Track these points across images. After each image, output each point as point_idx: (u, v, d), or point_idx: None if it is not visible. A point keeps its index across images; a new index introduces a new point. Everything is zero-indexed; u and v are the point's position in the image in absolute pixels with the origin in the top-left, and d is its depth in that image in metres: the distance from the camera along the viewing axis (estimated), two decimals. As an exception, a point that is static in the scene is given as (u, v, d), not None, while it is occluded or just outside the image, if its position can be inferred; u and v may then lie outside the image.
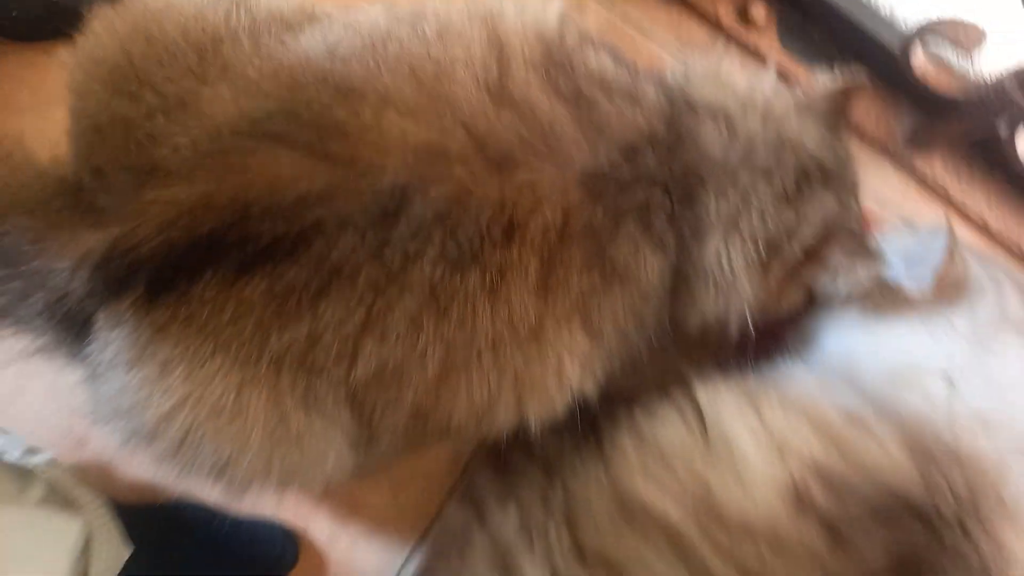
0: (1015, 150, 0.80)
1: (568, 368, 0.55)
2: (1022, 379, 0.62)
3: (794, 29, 0.89)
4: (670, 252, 0.59)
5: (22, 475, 0.68)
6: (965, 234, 0.92)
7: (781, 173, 0.61)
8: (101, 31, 0.58)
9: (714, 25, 0.88)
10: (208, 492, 0.76)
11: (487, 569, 0.58)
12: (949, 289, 0.64)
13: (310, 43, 0.55)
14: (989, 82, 0.74)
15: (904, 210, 0.92)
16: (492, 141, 0.50)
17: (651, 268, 0.57)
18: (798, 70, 0.88)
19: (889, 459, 0.58)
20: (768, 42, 0.88)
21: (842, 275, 0.63)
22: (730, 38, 0.89)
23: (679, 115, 0.60)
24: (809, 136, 0.63)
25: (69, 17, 0.75)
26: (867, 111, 0.90)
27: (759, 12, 0.86)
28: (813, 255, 0.63)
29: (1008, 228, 0.91)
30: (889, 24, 0.85)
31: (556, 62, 0.56)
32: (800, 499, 0.55)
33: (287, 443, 0.51)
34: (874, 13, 0.85)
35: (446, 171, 0.49)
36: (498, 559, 0.59)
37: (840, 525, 0.54)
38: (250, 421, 0.50)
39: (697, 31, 0.89)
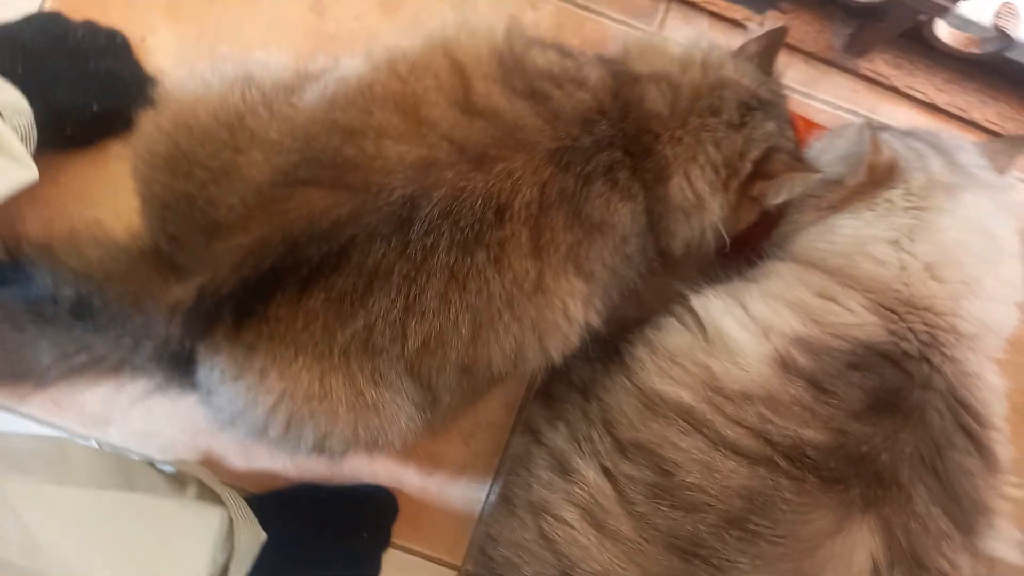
0: (935, 36, 0.89)
1: (572, 308, 0.67)
2: (954, 229, 0.72)
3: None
4: (639, 198, 0.70)
5: (178, 479, 0.84)
6: (917, 116, 1.01)
7: (726, 107, 0.72)
8: (151, 129, 0.71)
9: (653, -15, 0.98)
10: (315, 470, 0.91)
11: (548, 473, 0.71)
12: (881, 173, 0.74)
13: (312, 100, 0.67)
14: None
15: (860, 107, 1.01)
16: (470, 146, 0.62)
17: (624, 215, 0.68)
18: (738, 12, 0.98)
19: (856, 318, 0.68)
20: (709, -6, 0.97)
21: (784, 186, 0.73)
22: (672, -1, 0.99)
23: (622, 86, 0.71)
24: (745, 76, 0.74)
25: (112, 122, 0.91)
26: (808, 32, 0.99)
27: (690, -36, 0.96)
28: (760, 171, 0.73)
29: (953, 101, 1.00)
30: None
31: (509, 68, 0.67)
32: (786, 365, 0.66)
33: (366, 412, 0.65)
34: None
35: (440, 177, 0.61)
36: (556, 465, 0.72)
37: (822, 379, 0.65)
38: (335, 400, 0.63)
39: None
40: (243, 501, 0.82)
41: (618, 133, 0.68)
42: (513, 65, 0.68)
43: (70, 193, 0.91)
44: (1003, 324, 0.71)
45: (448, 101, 0.64)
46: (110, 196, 0.91)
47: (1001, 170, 0.79)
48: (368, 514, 0.90)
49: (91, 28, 0.92)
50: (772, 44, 0.77)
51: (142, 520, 0.74)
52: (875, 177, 0.73)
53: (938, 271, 0.70)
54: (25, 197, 0.90)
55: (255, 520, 0.81)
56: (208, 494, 0.82)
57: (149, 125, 0.72)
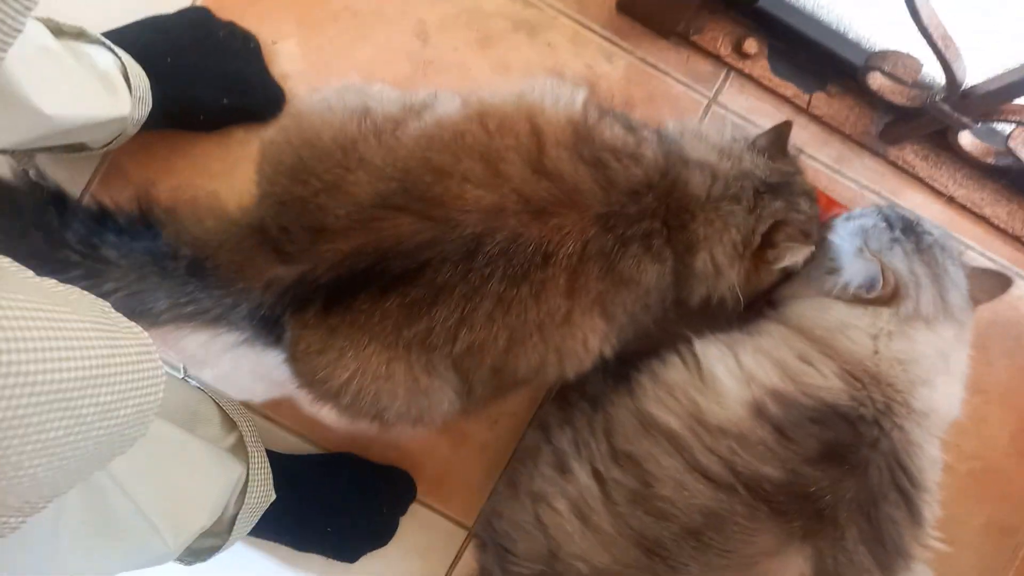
0: (959, 143, 1.00)
1: (591, 341, 0.82)
2: (923, 344, 0.85)
3: (781, 55, 1.09)
4: (668, 263, 0.84)
5: (226, 425, 0.97)
6: (933, 204, 1.13)
7: (744, 195, 0.85)
8: (282, 140, 0.86)
9: (716, 59, 1.11)
10: (365, 434, 1.08)
11: (550, 469, 0.88)
12: (884, 301, 0.86)
13: (413, 135, 0.81)
14: (927, 95, 0.95)
15: (883, 190, 1.13)
16: (534, 200, 0.77)
17: (651, 274, 0.82)
18: (788, 89, 1.10)
19: (826, 382, 0.82)
20: (761, 70, 1.09)
21: (787, 253, 0.86)
22: (731, 68, 1.11)
23: (672, 167, 0.84)
24: (758, 166, 0.87)
25: (237, 114, 1.07)
26: (849, 116, 1.11)
27: (751, 45, 1.08)
28: (767, 241, 0.87)
29: (969, 196, 1.11)
30: (855, 45, 1.06)
31: (581, 138, 0.81)
32: (760, 411, 0.80)
33: (419, 394, 0.81)
34: (841, 36, 1.05)
35: (504, 222, 0.76)
36: (556, 462, 0.88)
37: (786, 427, 0.79)
38: (396, 382, 0.79)
39: (703, 65, 1.12)
40: (267, 462, 0.96)
41: (660, 206, 0.82)
42: (584, 135, 0.81)
43: (196, 168, 1.08)
44: (947, 413, 0.85)
45: (523, 160, 0.78)
46: (228, 175, 1.08)
47: (976, 300, 0.91)
48: (390, 493, 1.07)
49: (231, 29, 1.08)
50: (780, 135, 0.90)
51: (180, 455, 0.84)
52: (880, 303, 0.86)
53: (903, 364, 0.84)
54: (160, 166, 1.09)
55: (271, 482, 0.96)
56: (240, 451, 0.96)
57: (280, 136, 0.87)
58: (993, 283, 0.92)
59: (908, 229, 0.92)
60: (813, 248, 0.87)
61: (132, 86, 0.93)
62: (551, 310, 0.78)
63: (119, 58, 0.93)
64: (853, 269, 0.88)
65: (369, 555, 1.09)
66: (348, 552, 1.07)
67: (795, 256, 0.87)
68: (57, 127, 0.82)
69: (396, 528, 1.09)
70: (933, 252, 0.89)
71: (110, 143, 0.97)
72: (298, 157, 0.84)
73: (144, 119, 0.97)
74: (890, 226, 0.93)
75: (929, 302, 0.86)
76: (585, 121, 0.83)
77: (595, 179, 0.80)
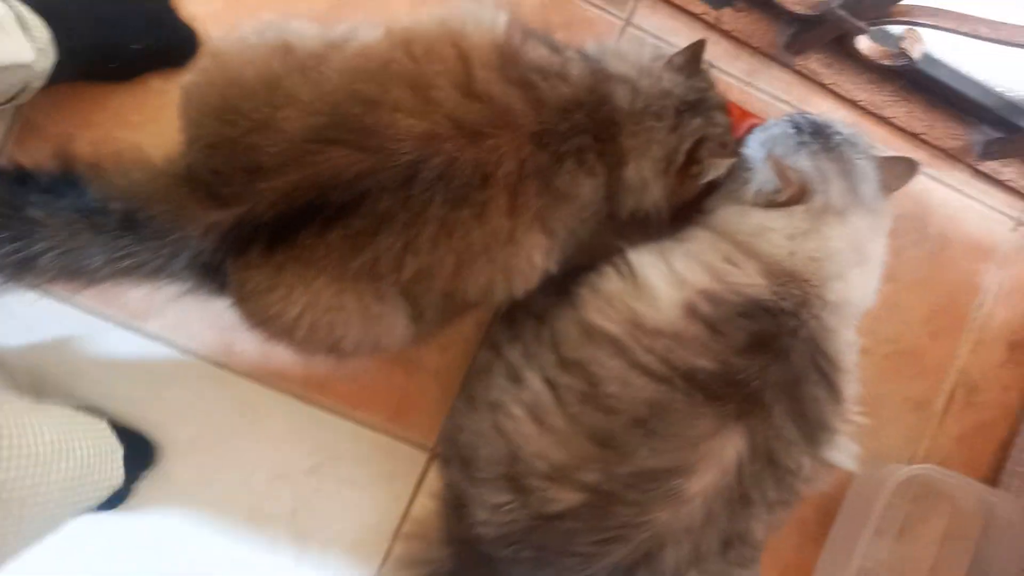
0: (857, 48, 1.07)
1: (536, 258, 0.86)
2: (836, 239, 0.91)
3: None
4: (600, 176, 0.88)
5: None
6: (838, 111, 1.20)
7: (665, 114, 0.90)
8: (204, 81, 0.86)
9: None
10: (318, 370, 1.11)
11: (504, 380, 0.93)
12: (791, 201, 0.92)
13: (339, 68, 0.82)
14: (825, 2, 1.00)
15: (792, 99, 1.20)
16: (467, 123, 0.79)
17: (586, 188, 0.86)
18: (697, 7, 1.13)
19: (750, 280, 0.88)
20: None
21: (710, 168, 0.92)
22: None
23: (599, 83, 0.87)
24: (677, 85, 0.91)
25: (150, 60, 1.05)
26: (756, 30, 1.15)
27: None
28: (691, 158, 0.92)
29: (870, 100, 1.18)
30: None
31: (507, 59, 0.83)
32: (692, 310, 0.86)
33: (372, 320, 0.83)
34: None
35: (439, 147, 0.78)
36: (510, 373, 0.93)
37: (716, 322, 0.86)
38: (348, 311, 0.81)
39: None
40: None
41: (590, 122, 0.85)
42: (510, 57, 0.84)
43: (115, 120, 1.05)
44: (861, 302, 0.94)
45: (452, 85, 0.80)
46: (149, 125, 1.06)
47: (888, 189, 0.98)
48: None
49: (136, -26, 1.04)
50: (695, 53, 0.94)
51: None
52: (786, 203, 0.92)
53: (817, 261, 0.90)
54: (77, 120, 1.05)
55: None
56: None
57: (202, 77, 0.87)
58: (901, 168, 0.99)
59: (817, 132, 0.98)
60: (734, 159, 0.92)
61: (31, 35, 0.89)
62: (495, 230, 0.81)
63: (11, 8, 0.89)
64: (763, 176, 0.94)
65: (333, 483, 1.13)
66: None
67: (718, 169, 0.92)
68: None
69: (127, 495, 1.06)
70: (841, 149, 0.95)
71: (14, 97, 0.93)
72: (223, 97, 0.84)
73: (48, 71, 0.93)
74: (799, 131, 0.98)
75: (839, 194, 0.92)
76: (509, 43, 0.85)
77: (525, 99, 0.82)
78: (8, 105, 0.94)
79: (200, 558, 1.12)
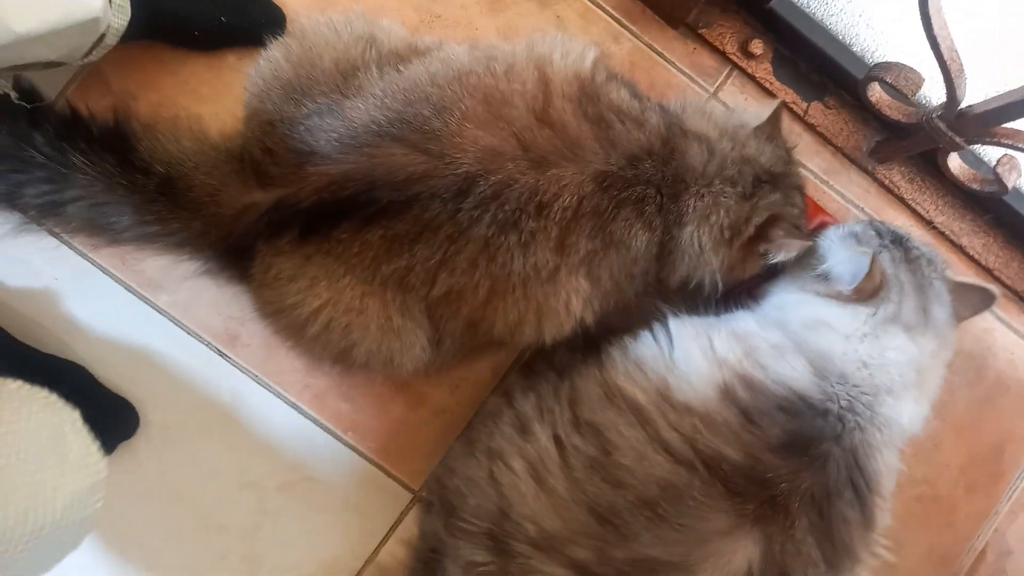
0: (948, 166, 1.02)
1: (573, 303, 0.81)
2: (897, 353, 0.85)
3: (785, 61, 1.10)
4: (656, 232, 0.83)
5: None
6: (912, 230, 1.13)
7: (742, 181, 0.85)
8: (280, 56, 0.84)
9: (721, 55, 1.11)
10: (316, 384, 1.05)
11: (510, 429, 0.86)
12: (865, 293, 0.86)
13: (417, 71, 0.80)
14: (923, 112, 0.96)
15: (867, 206, 1.15)
16: (534, 148, 0.76)
17: (640, 241, 0.82)
18: (787, 95, 1.11)
19: (796, 373, 0.82)
20: (764, 72, 1.10)
21: (781, 249, 0.86)
22: (734, 66, 1.11)
23: (673, 137, 0.84)
24: (764, 154, 0.87)
25: (234, 35, 1.04)
26: (843, 130, 1.12)
27: (757, 46, 1.08)
28: (762, 233, 0.87)
29: (948, 224, 1.13)
30: (858, 58, 1.07)
31: (587, 94, 0.80)
32: (728, 394, 0.80)
33: (391, 333, 0.79)
34: (846, 48, 1.07)
35: (501, 165, 0.74)
36: (518, 425, 0.86)
37: (752, 412, 0.79)
38: (369, 317, 0.77)
39: (708, 60, 1.12)
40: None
41: (658, 173, 0.81)
42: (591, 92, 0.81)
43: (182, 88, 1.04)
44: (909, 426, 0.86)
45: (527, 106, 0.77)
46: (215, 100, 1.05)
47: (959, 316, 0.92)
48: (103, 419, 0.92)
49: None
50: (774, 118, 0.90)
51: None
52: (858, 296, 0.86)
53: (870, 368, 0.84)
54: (144, 80, 1.05)
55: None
56: None
57: (279, 51, 0.85)
58: (976, 298, 0.93)
59: (897, 241, 0.93)
60: (808, 244, 0.87)
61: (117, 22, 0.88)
62: (538, 264, 0.77)
63: None
64: (840, 259, 0.88)
65: (302, 505, 1.06)
66: None
67: (789, 251, 0.87)
68: (24, 34, 0.77)
69: None
70: (920, 264, 0.90)
71: (89, 53, 0.91)
72: (295, 75, 0.83)
73: (123, 29, 0.91)
74: (880, 236, 0.94)
75: (911, 310, 0.86)
76: (593, 79, 0.82)
77: (597, 137, 0.79)
78: (84, 60, 0.92)
79: (136, 557, 1.04)
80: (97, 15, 0.85)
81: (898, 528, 0.91)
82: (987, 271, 1.15)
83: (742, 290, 0.95)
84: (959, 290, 0.92)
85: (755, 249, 0.88)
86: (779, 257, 0.88)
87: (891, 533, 0.86)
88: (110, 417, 1.03)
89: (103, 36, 0.88)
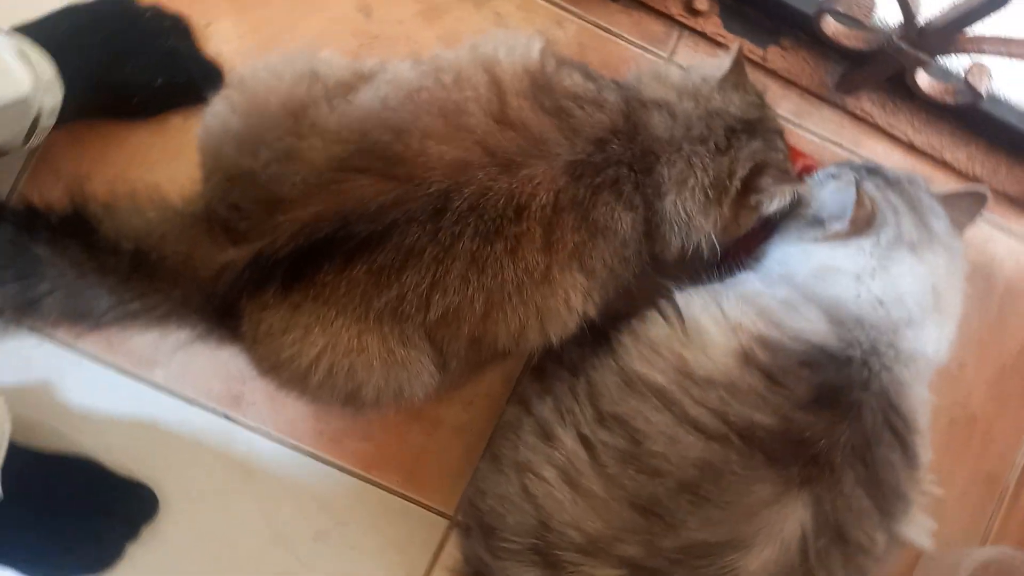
0: (917, 84, 1.00)
1: (573, 299, 0.78)
2: (908, 279, 0.83)
3: (733, 11, 1.08)
4: (639, 209, 0.81)
5: None
6: (894, 153, 1.13)
7: (713, 136, 0.82)
8: (225, 110, 0.82)
9: (668, 19, 1.09)
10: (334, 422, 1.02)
11: (533, 438, 0.83)
12: (859, 225, 0.84)
13: (367, 99, 0.78)
14: (883, 36, 0.94)
15: (844, 141, 1.13)
16: (500, 152, 0.73)
17: (625, 223, 0.79)
18: (745, 47, 1.08)
19: (812, 325, 0.80)
20: (713, 26, 1.08)
21: (774, 196, 0.84)
22: (683, 27, 1.09)
23: (633, 111, 0.82)
24: (732, 103, 0.85)
25: (173, 97, 1.01)
26: (804, 69, 1.10)
27: (702, 3, 1.06)
28: (750, 185, 0.84)
29: (928, 142, 1.11)
30: (807, -4, 1.05)
31: (540, 86, 0.78)
32: (747, 358, 0.78)
33: (396, 366, 0.76)
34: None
35: (471, 176, 0.72)
36: (540, 432, 0.84)
37: (775, 372, 0.77)
38: (370, 354, 0.74)
39: (655, 26, 1.10)
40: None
41: (626, 151, 0.79)
42: (543, 84, 0.79)
43: (133, 158, 1.02)
44: (933, 355, 0.84)
45: (484, 112, 0.75)
46: (168, 164, 1.02)
47: (959, 226, 0.90)
48: (123, 507, 0.99)
49: (157, 11, 1.02)
50: (738, 64, 0.87)
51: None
52: (854, 228, 0.84)
53: (887, 305, 0.82)
54: (94, 159, 1.02)
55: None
56: None
57: (222, 105, 0.83)
58: (969, 202, 0.91)
59: (873, 171, 0.91)
60: (800, 186, 0.85)
61: (34, 71, 0.85)
62: (529, 267, 0.75)
63: (10, 42, 0.85)
64: (826, 199, 0.86)
65: (340, 550, 1.04)
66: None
67: (783, 197, 0.84)
68: None
69: (120, 554, 0.99)
70: (902, 184, 0.88)
71: (29, 138, 0.89)
72: (245, 127, 0.80)
73: (58, 107, 0.89)
74: (855, 171, 0.93)
75: (911, 227, 0.84)
76: (543, 69, 0.80)
77: (559, 128, 0.77)
78: (27, 146, 0.90)
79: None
80: (26, 94, 0.83)
81: (940, 458, 0.90)
82: (976, 181, 1.13)
83: (740, 251, 0.93)
84: (950, 200, 0.91)
85: (746, 203, 0.86)
86: (774, 206, 0.85)
87: (934, 466, 0.85)
88: (129, 503, 1.01)
89: (38, 118, 0.86)
